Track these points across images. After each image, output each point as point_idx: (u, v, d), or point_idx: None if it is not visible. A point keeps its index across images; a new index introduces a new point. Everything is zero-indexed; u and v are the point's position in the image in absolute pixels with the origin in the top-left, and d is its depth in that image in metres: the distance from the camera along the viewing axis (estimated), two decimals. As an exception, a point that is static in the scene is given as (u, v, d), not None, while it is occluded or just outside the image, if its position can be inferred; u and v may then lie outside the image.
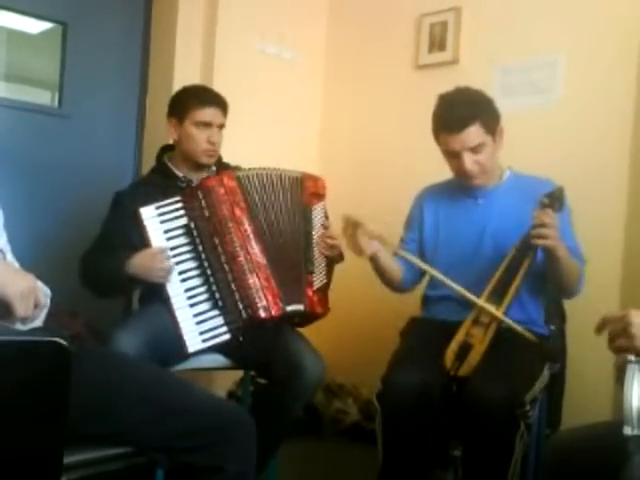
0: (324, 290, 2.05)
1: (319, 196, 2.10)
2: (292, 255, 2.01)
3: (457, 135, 1.89)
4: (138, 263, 1.89)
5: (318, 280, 2.03)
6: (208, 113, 2.08)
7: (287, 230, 2.02)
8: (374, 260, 2.01)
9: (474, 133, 1.89)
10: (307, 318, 2.07)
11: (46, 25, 2.86)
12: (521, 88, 2.58)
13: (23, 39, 2.88)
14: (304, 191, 2.07)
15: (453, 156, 1.94)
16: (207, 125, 2.08)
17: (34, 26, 2.87)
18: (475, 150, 1.90)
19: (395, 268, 2.06)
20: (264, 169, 2.04)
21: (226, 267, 1.93)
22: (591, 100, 2.41)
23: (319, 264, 2.04)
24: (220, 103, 2.12)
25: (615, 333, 1.29)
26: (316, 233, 2.05)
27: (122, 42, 2.94)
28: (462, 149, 1.90)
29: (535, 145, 2.47)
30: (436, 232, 2.08)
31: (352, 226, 1.94)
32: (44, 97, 2.98)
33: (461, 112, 1.89)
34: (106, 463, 1.26)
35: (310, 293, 2.01)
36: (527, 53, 2.59)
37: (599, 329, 1.34)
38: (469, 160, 1.91)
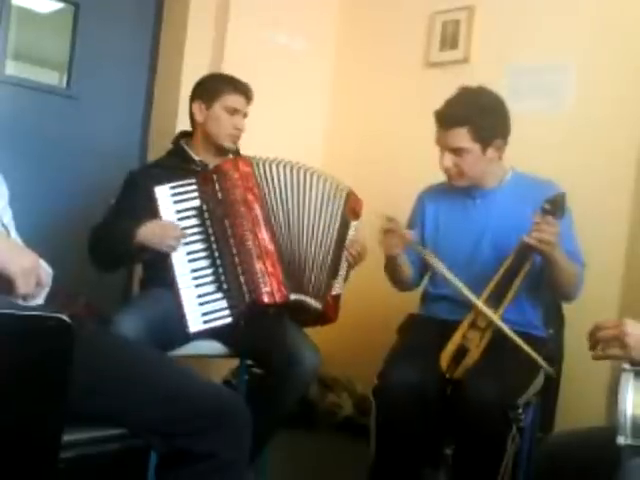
0: (338, 299, 2.09)
1: (357, 214, 2.15)
2: (316, 253, 2.02)
3: (444, 132, 1.91)
4: (149, 231, 1.90)
5: (338, 288, 2.07)
6: (239, 101, 2.15)
7: (311, 226, 2.02)
8: (394, 260, 2.01)
9: (459, 136, 1.88)
10: (316, 319, 2.08)
11: (57, 5, 2.85)
12: (531, 90, 2.57)
13: (33, 18, 2.87)
14: (347, 203, 2.10)
15: (440, 151, 1.95)
16: (235, 112, 2.14)
17: (45, 5, 2.87)
18: (456, 153, 1.91)
19: (408, 267, 2.07)
20: (284, 161, 2.04)
21: (234, 250, 1.94)
22: (601, 106, 2.40)
23: (342, 274, 2.09)
24: (250, 95, 2.19)
25: (607, 339, 1.28)
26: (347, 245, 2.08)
27: (133, 25, 2.93)
28: (444, 147, 1.91)
29: (541, 148, 2.46)
30: (436, 231, 2.08)
31: (389, 225, 1.92)
32: (52, 77, 2.98)
33: (455, 111, 1.90)
34: (101, 444, 1.26)
35: (329, 297, 2.04)
36: (539, 56, 2.58)
37: (592, 335, 1.34)
38: (447, 159, 1.92)
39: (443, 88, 2.00)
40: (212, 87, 2.16)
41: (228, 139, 2.15)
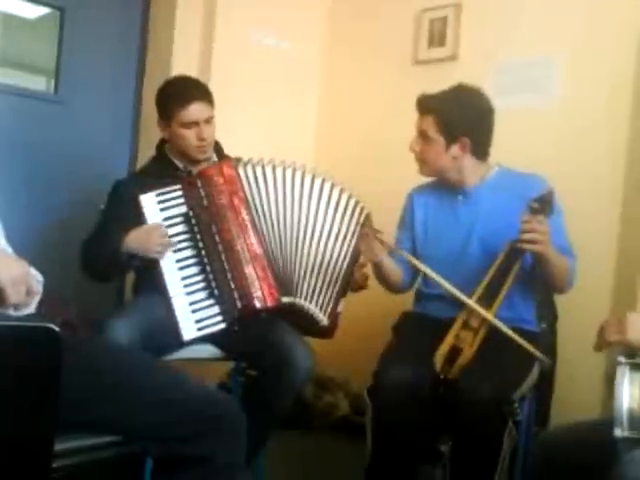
0: (339, 316, 2.08)
1: None
2: (323, 262, 2.01)
3: (418, 116, 2.00)
4: (135, 239, 1.89)
5: (341, 305, 2.06)
6: (192, 112, 2.02)
7: (310, 229, 2.01)
8: (378, 266, 2.02)
9: (426, 122, 1.96)
10: (316, 330, 2.07)
11: (43, 10, 2.84)
12: (519, 86, 2.58)
13: (20, 24, 2.86)
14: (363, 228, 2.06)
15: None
16: (195, 124, 2.03)
17: (31, 11, 2.85)
18: (423, 139, 1.97)
19: (396, 272, 2.07)
20: (272, 162, 2.03)
21: (222, 256, 1.93)
22: (589, 100, 2.41)
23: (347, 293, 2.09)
24: (202, 96, 2.04)
25: (609, 326, 1.30)
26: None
27: (120, 29, 2.92)
28: (416, 129, 2.00)
29: (531, 143, 2.47)
30: (425, 230, 2.08)
31: (370, 231, 1.94)
32: (40, 83, 2.97)
33: (429, 99, 1.97)
34: (96, 451, 1.26)
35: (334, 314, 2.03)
36: (526, 51, 2.58)
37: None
38: (415, 142, 2.00)
39: (431, 86, 2.01)
40: (164, 106, 2.06)
41: (197, 152, 2.06)
